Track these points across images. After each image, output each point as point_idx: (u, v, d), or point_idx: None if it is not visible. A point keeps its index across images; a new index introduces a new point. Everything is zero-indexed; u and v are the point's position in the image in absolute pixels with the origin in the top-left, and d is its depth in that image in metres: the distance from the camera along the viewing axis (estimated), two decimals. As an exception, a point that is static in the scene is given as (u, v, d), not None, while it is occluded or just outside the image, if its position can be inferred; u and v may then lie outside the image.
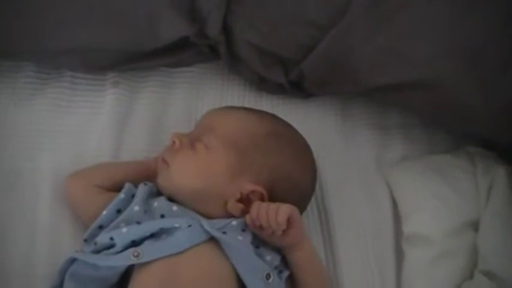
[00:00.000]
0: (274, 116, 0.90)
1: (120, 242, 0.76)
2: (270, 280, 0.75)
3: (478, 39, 0.87)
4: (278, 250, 0.81)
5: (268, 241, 0.80)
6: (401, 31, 0.89)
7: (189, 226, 0.76)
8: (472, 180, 0.94)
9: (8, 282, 0.81)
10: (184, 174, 0.81)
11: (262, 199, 0.81)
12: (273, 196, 0.81)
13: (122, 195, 0.82)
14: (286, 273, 0.80)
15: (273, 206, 0.77)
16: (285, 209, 0.76)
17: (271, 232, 0.77)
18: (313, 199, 0.91)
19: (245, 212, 0.80)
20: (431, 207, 0.91)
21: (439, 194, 0.92)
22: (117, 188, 0.84)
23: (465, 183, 0.94)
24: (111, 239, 0.76)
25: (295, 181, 0.84)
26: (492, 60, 0.87)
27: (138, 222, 0.78)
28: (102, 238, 0.77)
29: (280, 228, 0.76)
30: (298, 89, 1.01)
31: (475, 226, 0.90)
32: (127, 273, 0.77)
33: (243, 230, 0.79)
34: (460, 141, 1.03)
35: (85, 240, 0.81)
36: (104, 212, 0.81)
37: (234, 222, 0.79)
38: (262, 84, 1.02)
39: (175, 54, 0.97)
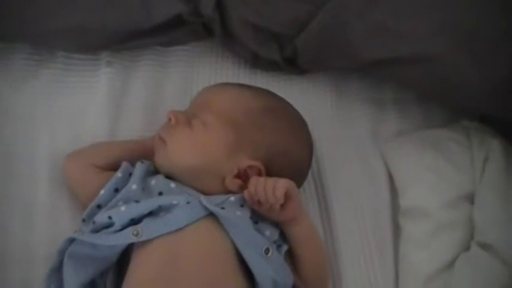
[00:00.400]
0: (269, 92, 0.91)
1: (118, 221, 0.76)
2: (269, 254, 0.76)
3: (473, 16, 0.87)
4: (277, 225, 0.81)
5: (266, 216, 0.80)
6: (396, 7, 0.88)
7: (188, 203, 0.76)
8: (467, 154, 0.95)
9: (9, 264, 0.82)
10: (181, 151, 0.81)
11: (259, 174, 0.81)
12: (270, 171, 0.82)
13: (119, 174, 0.82)
14: (285, 248, 0.81)
15: (270, 180, 0.77)
16: (282, 183, 0.76)
17: (269, 207, 0.78)
18: (310, 174, 0.92)
19: (243, 187, 0.80)
20: (427, 181, 0.92)
21: (435, 168, 0.92)
22: (115, 167, 0.84)
23: (460, 156, 0.94)
24: (110, 218, 0.77)
25: (292, 156, 0.84)
26: (486, 37, 0.87)
27: (137, 201, 0.78)
28: (101, 217, 0.77)
29: (278, 202, 0.76)
30: (292, 65, 1.01)
31: (470, 199, 0.91)
32: (126, 252, 0.77)
33: (242, 206, 0.80)
34: (456, 115, 1.03)
35: (83, 220, 0.81)
36: (102, 192, 0.81)
37: (232, 198, 0.79)
38: (256, 62, 1.01)
39: (169, 32, 0.96)
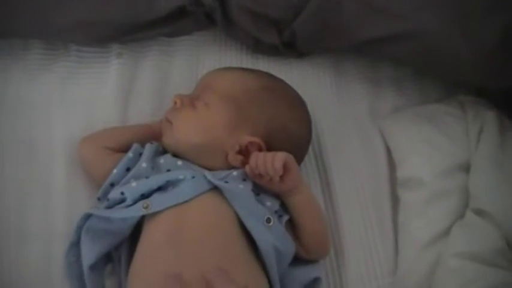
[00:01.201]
0: (268, 73, 0.95)
1: (130, 196, 0.81)
2: (271, 223, 0.80)
3: (460, -12, 0.90)
4: (277, 197, 0.86)
5: (268, 188, 0.85)
6: (385, -14, 0.92)
7: (193, 177, 0.81)
8: (462, 125, 0.98)
9: (30, 243, 0.87)
10: (186, 130, 0.86)
11: (260, 150, 0.85)
12: (270, 147, 0.86)
13: (130, 154, 0.87)
14: (285, 218, 0.85)
15: (269, 154, 0.82)
16: (280, 156, 0.81)
17: (269, 179, 0.82)
18: (310, 149, 0.96)
19: (245, 162, 0.85)
20: (423, 152, 0.95)
21: (430, 139, 0.96)
22: (126, 149, 0.89)
23: (456, 128, 0.98)
24: (122, 193, 0.82)
25: (290, 131, 0.89)
26: (474, 8, 0.90)
27: (147, 177, 0.83)
28: (114, 194, 0.83)
29: (278, 174, 0.81)
30: (291, 48, 1.05)
31: (466, 168, 0.94)
32: (139, 228, 0.82)
33: (244, 180, 0.84)
34: (452, 91, 1.07)
35: (98, 199, 0.87)
36: (114, 171, 0.86)
37: (235, 173, 0.84)
38: (257, 47, 1.06)
39: (174, 23, 1.01)
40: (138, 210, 0.80)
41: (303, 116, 0.93)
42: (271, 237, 0.80)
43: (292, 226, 0.86)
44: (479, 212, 0.89)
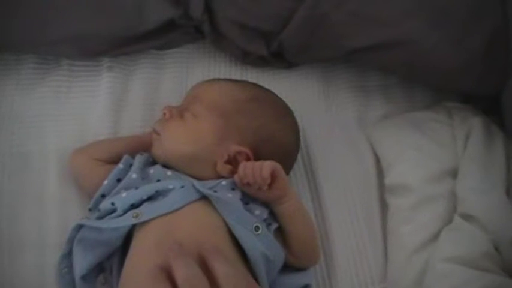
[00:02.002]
0: (255, 84, 0.97)
1: (120, 206, 0.82)
2: (259, 232, 0.81)
3: (444, -4, 0.91)
4: (266, 205, 0.86)
5: (256, 196, 0.86)
6: (369, -6, 0.94)
7: (182, 187, 0.82)
8: (449, 131, 0.99)
9: (23, 253, 0.88)
10: (174, 140, 0.88)
11: (248, 159, 0.86)
12: (258, 156, 0.87)
13: (120, 165, 0.89)
14: (274, 226, 0.86)
15: (257, 163, 0.83)
16: (268, 165, 0.82)
17: (258, 187, 0.83)
18: (299, 158, 0.98)
19: (233, 172, 0.86)
20: (410, 158, 0.96)
21: (417, 145, 0.97)
22: (116, 161, 0.90)
23: (443, 134, 0.99)
24: (112, 204, 0.83)
25: (278, 140, 0.90)
26: (457, 15, 0.92)
27: (137, 188, 0.85)
28: (105, 204, 0.84)
29: (266, 182, 0.82)
30: (280, 59, 1.07)
31: (453, 174, 0.95)
32: (130, 238, 0.82)
33: (233, 189, 0.85)
34: (439, 98, 1.08)
35: (89, 210, 0.88)
36: (105, 182, 0.87)
37: (224, 182, 0.85)
38: (246, 59, 1.07)
39: (163, 36, 1.03)
40: (128, 220, 0.80)
41: (291, 125, 0.94)
42: (260, 245, 0.80)
43: (281, 234, 0.87)
44: (466, 217, 0.89)
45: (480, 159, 0.94)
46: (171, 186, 0.83)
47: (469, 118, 1.00)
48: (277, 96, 0.96)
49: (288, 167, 0.93)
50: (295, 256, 0.87)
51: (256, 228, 0.81)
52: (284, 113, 0.95)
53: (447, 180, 0.94)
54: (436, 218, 0.92)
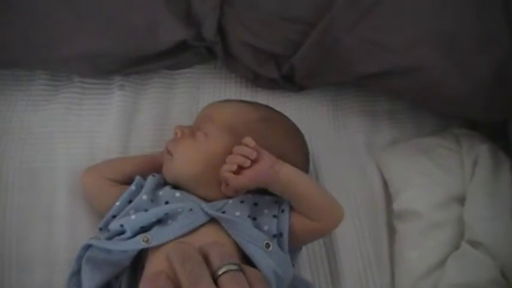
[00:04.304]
0: (266, 106, 0.98)
1: (129, 228, 0.82)
2: (270, 248, 0.80)
3: (454, 26, 0.93)
4: (274, 214, 0.86)
5: (251, 181, 0.83)
6: (382, 22, 0.95)
7: (191, 210, 0.83)
8: (457, 158, 0.99)
9: (31, 270, 0.88)
10: (185, 160, 0.88)
11: None
12: None
13: (133, 187, 0.89)
14: (286, 206, 0.86)
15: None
16: (248, 139, 0.83)
17: (249, 164, 0.83)
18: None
19: (237, 192, 0.86)
20: (418, 184, 0.96)
21: (426, 171, 0.97)
22: (128, 181, 0.91)
23: (451, 160, 0.99)
24: (121, 226, 0.83)
25: (288, 160, 0.88)
26: (465, 44, 0.93)
27: (146, 210, 0.85)
28: (114, 225, 0.84)
29: (253, 153, 0.82)
30: (291, 82, 1.07)
31: (461, 200, 0.95)
32: (139, 256, 0.83)
33: (242, 202, 0.85)
34: (446, 124, 1.09)
35: (100, 229, 0.87)
36: (117, 203, 0.87)
37: (231, 201, 0.85)
38: (257, 81, 1.09)
39: (175, 56, 1.04)
40: (138, 244, 0.80)
41: (301, 146, 0.95)
42: (272, 262, 0.80)
43: (296, 207, 0.86)
44: (474, 243, 0.89)
45: (488, 186, 0.95)
46: (180, 210, 0.83)
47: (477, 145, 1.00)
48: (288, 118, 0.96)
49: None
50: (317, 219, 0.85)
51: (267, 245, 0.81)
52: (294, 133, 0.95)
53: (455, 206, 0.95)
54: (443, 244, 0.92)
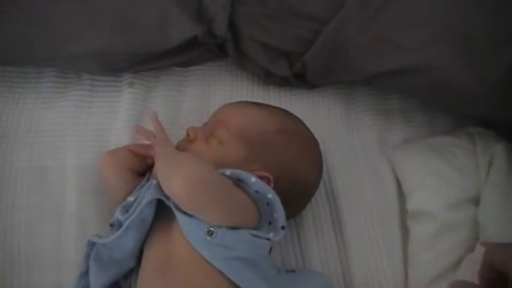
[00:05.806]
0: (284, 112, 0.94)
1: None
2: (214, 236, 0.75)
3: (469, 24, 0.91)
4: None
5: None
6: (394, 20, 0.93)
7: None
8: (471, 158, 0.97)
9: (40, 270, 0.88)
10: None
11: (268, 183, 0.83)
12: (278, 184, 0.84)
13: (144, 182, 0.88)
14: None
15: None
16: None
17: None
18: (321, 182, 0.96)
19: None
20: (432, 184, 0.95)
21: (439, 172, 0.96)
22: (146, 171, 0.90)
23: (465, 160, 0.97)
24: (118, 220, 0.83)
25: (300, 175, 0.88)
26: (480, 42, 0.91)
27: (127, 211, 0.83)
28: (114, 219, 0.84)
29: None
30: (302, 80, 1.06)
31: (476, 201, 0.93)
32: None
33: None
34: (460, 122, 1.07)
35: (111, 225, 0.86)
36: (129, 199, 0.85)
37: None
38: (268, 78, 1.07)
39: (186, 54, 1.03)
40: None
41: (315, 160, 0.93)
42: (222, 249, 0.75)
43: None
44: (488, 245, 0.88)
45: (503, 185, 0.93)
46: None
47: (492, 144, 0.98)
48: (305, 126, 0.94)
49: (306, 199, 0.93)
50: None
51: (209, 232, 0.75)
52: (310, 147, 0.93)
53: (469, 207, 0.93)
54: (457, 245, 0.91)
